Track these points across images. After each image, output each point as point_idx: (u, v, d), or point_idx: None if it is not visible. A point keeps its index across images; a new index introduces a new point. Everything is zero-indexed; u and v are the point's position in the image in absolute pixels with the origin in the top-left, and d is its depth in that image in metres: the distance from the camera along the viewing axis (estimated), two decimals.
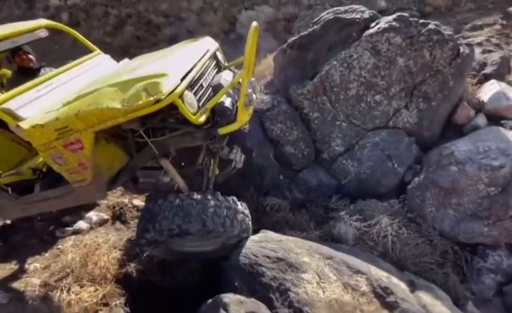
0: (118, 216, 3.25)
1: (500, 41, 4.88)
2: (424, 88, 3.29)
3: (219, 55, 2.78)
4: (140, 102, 1.72)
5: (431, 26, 3.26)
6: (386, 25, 3.33)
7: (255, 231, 3.17)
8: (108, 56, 3.02)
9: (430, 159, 3.11)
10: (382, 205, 2.95)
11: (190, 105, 1.90)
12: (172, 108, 1.91)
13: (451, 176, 2.71)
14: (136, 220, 3.19)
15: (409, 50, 3.26)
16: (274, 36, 7.30)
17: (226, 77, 2.34)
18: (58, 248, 2.80)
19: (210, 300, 1.62)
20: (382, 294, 1.77)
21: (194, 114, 1.90)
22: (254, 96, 2.22)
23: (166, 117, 2.01)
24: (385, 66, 3.33)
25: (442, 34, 3.22)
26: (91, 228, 3.02)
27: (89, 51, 2.95)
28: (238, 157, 2.44)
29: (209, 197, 2.06)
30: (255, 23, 1.94)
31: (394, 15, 3.41)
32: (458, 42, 3.38)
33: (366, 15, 3.69)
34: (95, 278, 2.46)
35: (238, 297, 1.61)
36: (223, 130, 2.03)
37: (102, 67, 2.75)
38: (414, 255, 2.52)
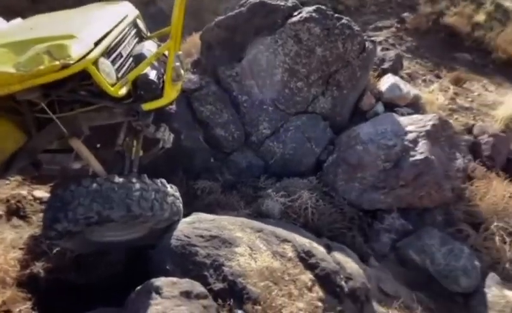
0: (14, 211, 2.73)
1: (395, 41, 5.85)
2: (337, 77, 3.71)
3: (140, 24, 2.52)
4: (41, 67, 1.43)
5: (344, 21, 3.67)
6: (307, 15, 3.60)
7: (186, 215, 3.12)
8: None
9: (341, 140, 3.56)
10: (303, 181, 3.25)
11: (107, 75, 1.68)
12: (83, 78, 1.66)
13: (357, 154, 3.17)
14: (39, 214, 2.74)
15: (326, 41, 3.60)
16: (199, 15, 7.02)
17: (149, 47, 2.15)
18: None
19: (139, 287, 1.54)
20: (305, 257, 2.00)
21: (112, 85, 1.69)
22: (182, 71, 2.11)
23: (76, 88, 1.73)
24: (306, 54, 3.61)
25: (353, 29, 3.66)
26: None
27: None
28: (166, 136, 2.29)
29: (133, 180, 1.90)
30: None
31: (314, 7, 3.70)
32: (365, 38, 3.90)
33: (289, 3, 3.90)
34: None
35: (171, 278, 1.58)
36: (148, 106, 1.87)
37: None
38: (329, 223, 2.89)
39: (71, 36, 1.59)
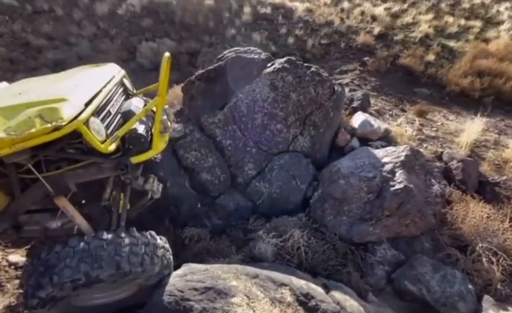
0: None
1: (360, 82, 6.38)
2: (313, 118, 3.93)
3: (127, 82, 2.62)
4: (33, 130, 1.44)
5: (313, 69, 3.99)
6: (280, 66, 3.90)
7: (176, 267, 2.96)
8: None
9: (323, 176, 3.66)
10: (292, 219, 3.25)
11: (97, 133, 1.71)
12: (72, 137, 1.66)
13: (341, 188, 3.26)
14: (15, 281, 2.49)
15: (299, 87, 3.87)
16: (178, 68, 7.35)
17: (136, 103, 2.22)
18: None
19: None
20: (304, 301, 1.93)
21: (102, 142, 1.71)
22: (168, 123, 2.17)
23: (64, 147, 1.73)
24: (282, 99, 3.84)
25: (322, 76, 3.98)
26: None
27: None
28: (155, 187, 2.27)
29: (122, 235, 1.83)
30: (167, 54, 1.96)
31: (285, 58, 4.03)
32: (333, 82, 4.24)
33: (263, 56, 4.23)
34: None
35: None
36: (136, 159, 1.90)
37: None
38: (323, 261, 2.85)
39: (62, 99, 1.62)
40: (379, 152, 3.57)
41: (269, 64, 4.04)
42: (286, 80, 3.84)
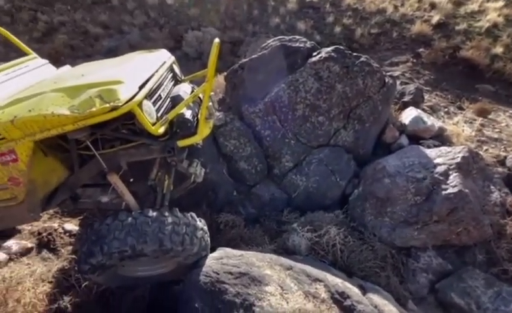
0: (45, 244, 2.78)
1: (412, 75, 5.90)
2: (358, 111, 3.73)
3: (176, 68, 2.71)
4: (93, 109, 1.55)
5: (363, 59, 3.76)
6: (327, 55, 3.73)
7: (210, 250, 3.06)
8: (46, 61, 2.68)
9: (366, 173, 3.48)
10: (329, 215, 3.15)
11: (149, 115, 1.79)
12: (126, 118, 1.77)
13: (385, 187, 3.07)
14: (69, 247, 2.77)
15: (346, 78, 3.68)
16: (221, 57, 7.45)
17: (185, 89, 2.28)
18: None
19: None
20: (339, 299, 1.87)
21: (153, 124, 1.79)
22: (213, 110, 2.20)
23: (118, 127, 1.85)
24: (326, 90, 3.69)
25: (372, 66, 3.74)
26: (10, 259, 2.51)
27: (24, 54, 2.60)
28: (198, 171, 2.34)
29: (166, 214, 1.92)
30: (217, 40, 1.97)
31: (332, 47, 3.85)
32: (384, 73, 3.97)
33: (308, 45, 4.09)
34: None
35: None
36: (183, 143, 1.95)
37: (40, 72, 2.41)
38: (360, 261, 2.73)
39: (119, 82, 1.73)
40: (431, 152, 3.28)
41: (314, 53, 3.90)
42: (332, 70, 3.68)
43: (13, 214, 1.68)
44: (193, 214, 2.12)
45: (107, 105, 1.57)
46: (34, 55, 2.64)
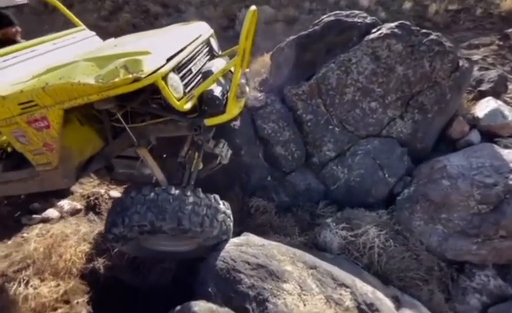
0: (92, 207, 3.04)
1: (496, 61, 4.91)
2: (421, 99, 3.22)
3: (213, 42, 2.60)
4: (116, 80, 1.52)
5: (433, 36, 3.20)
6: (388, 31, 3.25)
7: (238, 233, 3.01)
8: (94, 33, 2.80)
9: (421, 171, 3.03)
10: (370, 214, 2.85)
11: (175, 90, 1.72)
12: (154, 91, 1.73)
13: (442, 190, 2.63)
14: None
15: (409, 59, 3.18)
16: (273, 37, 7.18)
17: (218, 64, 2.15)
18: (22, 236, 2.58)
19: (178, 308, 1.46)
20: (366, 311, 1.66)
21: (179, 100, 1.72)
22: (247, 88, 2.06)
23: (148, 101, 1.83)
24: (383, 73, 3.25)
25: (444, 46, 3.16)
26: (61, 217, 2.80)
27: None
28: (224, 152, 2.26)
29: (188, 193, 1.89)
30: (253, 7, 1.78)
31: (396, 23, 3.34)
32: (459, 55, 3.33)
33: (368, 20, 3.61)
34: (58, 272, 2.26)
35: (210, 305, 1.46)
36: (210, 121, 1.86)
37: (85, 43, 2.53)
38: (400, 269, 2.42)
39: (146, 52, 1.68)
40: (508, 154, 2.69)
41: (374, 30, 3.43)
42: (393, 49, 3.21)
43: (50, 178, 1.81)
44: (217, 197, 2.06)
45: (130, 76, 1.53)
46: (82, 26, 2.75)
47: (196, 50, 2.14)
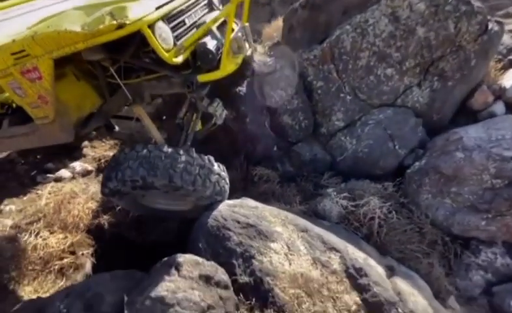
0: (102, 169, 3.16)
1: None
2: (442, 65, 2.97)
3: None
4: (101, 26, 1.47)
5: None
6: None
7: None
8: None
9: (435, 144, 2.86)
10: (375, 186, 2.75)
11: (163, 40, 1.64)
12: (146, 44, 1.68)
13: (455, 162, 2.47)
14: None
15: (432, 20, 2.90)
16: (291, 2, 6.80)
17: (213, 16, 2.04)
18: (36, 193, 2.76)
19: (165, 259, 1.52)
20: (354, 275, 1.64)
21: (168, 51, 1.65)
22: (246, 44, 1.95)
23: (140, 54, 1.78)
24: (402, 35, 3.00)
25: (472, 5, 2.84)
26: (73, 178, 2.95)
27: None
28: (219, 111, 2.20)
29: (181, 152, 1.88)
30: None
31: None
32: (488, 17, 2.99)
33: None
34: (67, 226, 2.41)
35: (195, 257, 1.50)
36: (203, 77, 1.79)
37: None
38: (400, 242, 2.36)
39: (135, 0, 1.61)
40: None
41: None
42: (415, 9, 2.93)
43: (48, 132, 1.84)
44: (211, 158, 2.04)
45: (114, 22, 1.47)
46: None
47: (192, 2, 2.00)
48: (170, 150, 1.86)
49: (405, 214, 2.56)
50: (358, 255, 1.79)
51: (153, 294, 1.26)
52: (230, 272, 1.56)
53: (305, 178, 3.18)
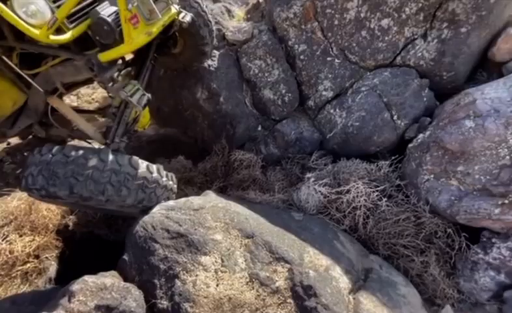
0: None
1: None
2: (451, 7, 2.33)
3: None
4: None
5: None
6: None
7: (221, 189, 2.79)
8: None
9: (444, 110, 2.31)
10: (367, 167, 2.32)
11: (31, 15, 1.36)
12: None
13: (463, 134, 1.95)
14: None
15: None
16: None
17: None
18: (9, 194, 2.72)
19: (65, 287, 1.29)
20: (301, 295, 1.31)
21: (40, 27, 1.37)
22: (156, 7, 1.56)
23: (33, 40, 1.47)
24: None
25: None
26: None
27: None
28: (135, 98, 1.74)
29: (90, 155, 1.57)
30: None
31: None
32: None
33: None
34: (37, 227, 2.35)
35: (102, 281, 1.28)
36: (103, 56, 1.49)
37: None
38: (390, 235, 1.96)
39: None
40: None
41: None
42: None
43: None
44: (134, 159, 1.68)
45: None
46: None
47: None
48: (79, 153, 1.56)
49: (399, 200, 2.12)
50: (316, 265, 1.45)
51: None
52: (151, 294, 1.33)
53: (290, 160, 2.82)
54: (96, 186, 1.49)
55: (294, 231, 1.73)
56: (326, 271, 1.44)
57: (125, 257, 1.50)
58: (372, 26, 2.59)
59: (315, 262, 1.47)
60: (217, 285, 1.31)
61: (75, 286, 1.23)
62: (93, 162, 1.53)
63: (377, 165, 2.35)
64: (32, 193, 1.64)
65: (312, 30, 2.79)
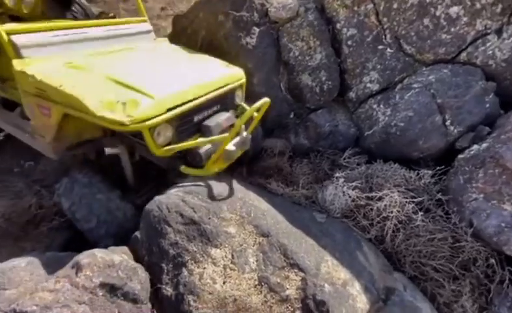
0: None
1: None
2: None
3: (239, 94, 2.38)
4: (106, 116, 1.49)
5: None
6: None
7: (244, 174, 2.72)
8: (150, 28, 2.71)
9: (509, 121, 1.97)
10: (404, 173, 2.10)
11: (162, 137, 1.67)
12: None
13: None
14: None
15: None
16: None
17: (221, 120, 2.02)
18: None
19: (75, 258, 1.31)
20: (312, 309, 1.22)
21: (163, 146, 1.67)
22: (237, 153, 1.88)
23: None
24: None
25: None
26: None
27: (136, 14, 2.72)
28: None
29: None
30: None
31: None
32: None
33: None
34: None
35: (111, 258, 1.29)
36: (185, 169, 1.82)
37: (132, 39, 2.47)
38: (421, 254, 1.77)
39: (150, 96, 1.59)
40: None
41: None
42: None
43: (42, 145, 1.94)
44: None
45: (117, 118, 1.48)
46: (144, 17, 2.69)
47: (211, 100, 1.99)
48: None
49: (438, 217, 1.90)
50: (334, 277, 1.33)
51: (18, 309, 1.09)
52: (158, 278, 1.32)
53: (320, 154, 2.64)
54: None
55: (314, 235, 1.62)
56: (344, 286, 1.33)
57: (137, 234, 1.50)
58: (438, 13, 2.24)
59: (333, 274, 1.36)
60: (223, 283, 1.26)
61: (84, 259, 1.25)
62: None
63: (418, 173, 2.11)
64: None
65: (365, 13, 2.50)
